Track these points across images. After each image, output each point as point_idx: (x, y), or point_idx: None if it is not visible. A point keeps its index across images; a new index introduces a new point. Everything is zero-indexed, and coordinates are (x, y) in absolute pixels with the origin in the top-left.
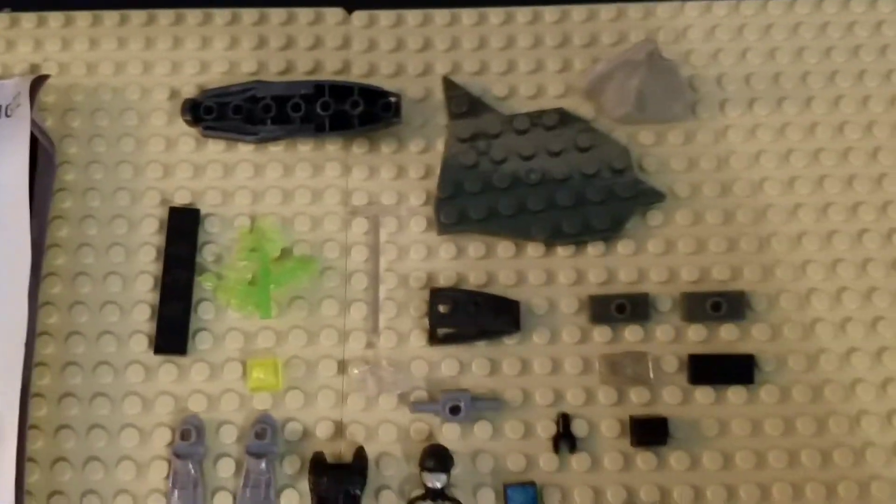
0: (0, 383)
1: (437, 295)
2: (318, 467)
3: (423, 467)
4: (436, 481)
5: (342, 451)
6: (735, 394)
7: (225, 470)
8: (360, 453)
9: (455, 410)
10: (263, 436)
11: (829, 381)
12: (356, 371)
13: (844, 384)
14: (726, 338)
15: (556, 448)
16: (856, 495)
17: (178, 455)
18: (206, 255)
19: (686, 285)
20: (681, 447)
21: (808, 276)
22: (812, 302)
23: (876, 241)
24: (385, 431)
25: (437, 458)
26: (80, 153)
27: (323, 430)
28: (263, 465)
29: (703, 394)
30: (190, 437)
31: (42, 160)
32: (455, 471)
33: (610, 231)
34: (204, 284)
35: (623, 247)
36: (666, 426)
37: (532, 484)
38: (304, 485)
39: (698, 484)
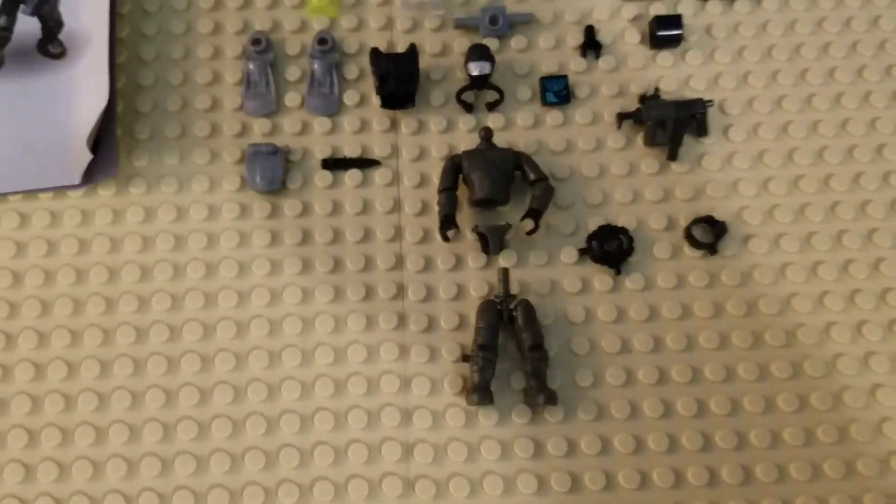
0: (90, 8)
1: None
2: (377, 55)
3: (468, 58)
4: (480, 69)
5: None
6: (741, 3)
7: (292, 74)
8: (411, 47)
9: (494, 20)
10: (325, 42)
11: None
12: None
13: None
14: None
15: (584, 53)
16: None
17: (249, 58)
18: None
19: None
20: (695, 48)
21: None
22: None
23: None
24: (431, 46)
25: (480, 49)
26: None
27: (378, 45)
28: (325, 67)
29: (713, 5)
30: (260, 44)
31: None
32: (496, 72)
33: None
34: None
35: None
36: (680, 22)
37: (564, 77)
38: (365, 85)
39: (712, 75)
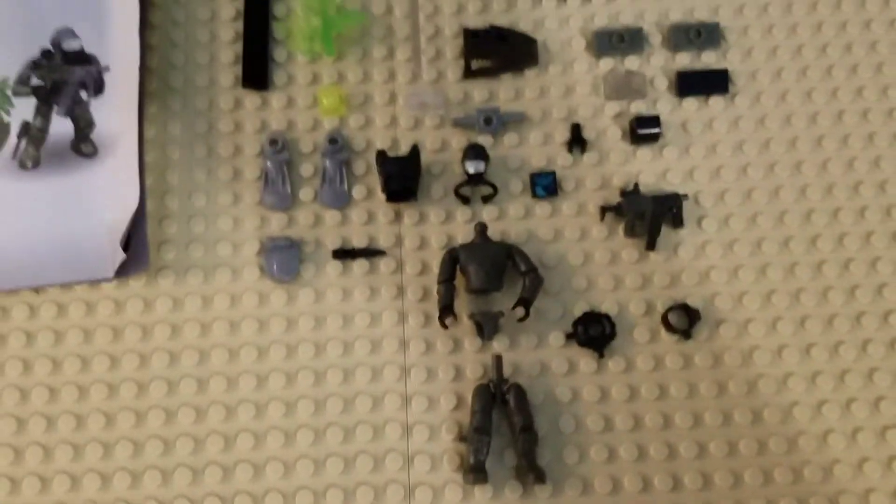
0: (119, 110)
1: (471, 33)
2: (383, 157)
3: (465, 157)
4: (476, 167)
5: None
6: (715, 101)
7: (306, 171)
8: (414, 148)
9: (488, 121)
10: (336, 141)
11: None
12: (404, 96)
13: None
14: (706, 60)
15: (570, 149)
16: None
17: (267, 158)
18: (277, 10)
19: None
20: (672, 143)
21: None
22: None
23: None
24: (431, 142)
25: (476, 149)
26: None
27: (382, 143)
28: (336, 165)
29: (689, 102)
30: (277, 144)
31: None
32: (490, 168)
33: None
34: (278, 32)
35: None
36: (659, 122)
37: (552, 172)
38: (372, 179)
39: (687, 169)
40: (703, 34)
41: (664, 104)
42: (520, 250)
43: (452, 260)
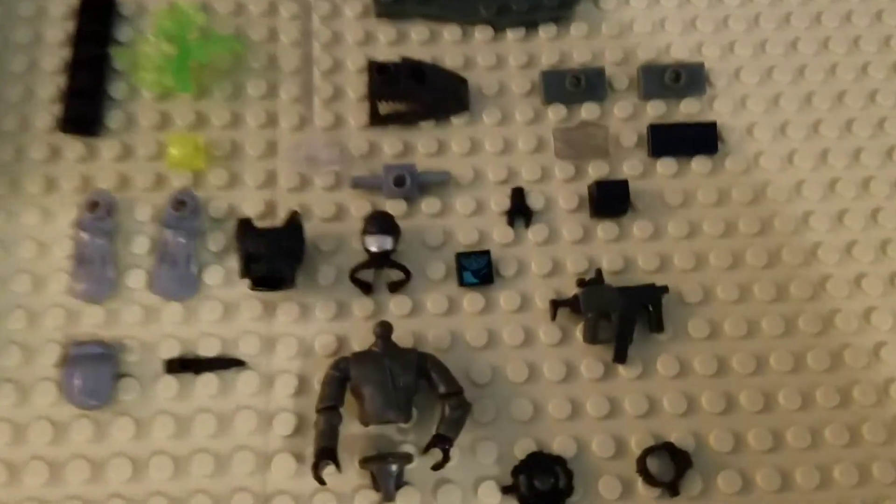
0: None
1: (379, 68)
2: (246, 227)
3: (366, 231)
4: (380, 244)
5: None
6: (699, 164)
7: (139, 246)
8: (293, 217)
9: (400, 182)
10: (182, 208)
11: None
12: (287, 148)
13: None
14: (686, 111)
15: (511, 221)
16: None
17: (83, 229)
18: (121, 33)
19: (642, 62)
20: (644, 217)
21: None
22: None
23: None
24: (321, 209)
25: (381, 219)
26: None
27: (252, 208)
28: (182, 238)
29: (665, 165)
30: (96, 210)
31: None
32: (402, 245)
33: (560, 10)
34: (118, 61)
35: (576, 29)
36: (627, 190)
37: (485, 252)
38: (230, 262)
39: (664, 252)
40: (684, 77)
41: (633, 166)
42: (438, 363)
43: (340, 378)
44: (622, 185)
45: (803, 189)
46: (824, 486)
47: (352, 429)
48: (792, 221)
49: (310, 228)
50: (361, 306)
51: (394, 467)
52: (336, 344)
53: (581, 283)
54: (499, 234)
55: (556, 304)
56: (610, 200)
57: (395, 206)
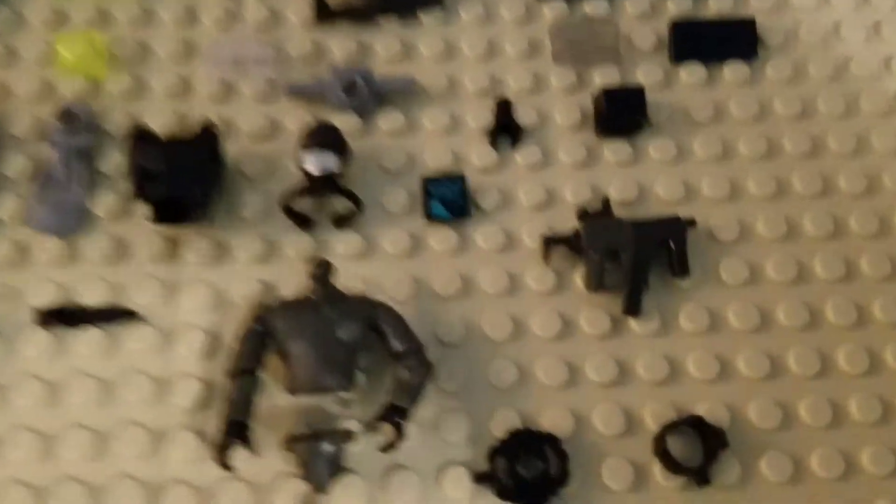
0: None
1: None
2: (141, 141)
3: (304, 147)
4: (322, 164)
5: None
6: (733, 70)
7: (13, 167)
8: (206, 127)
9: (351, 89)
10: (71, 121)
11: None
12: (207, 47)
13: None
14: (718, 6)
15: (494, 141)
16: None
17: None
18: None
19: None
20: (664, 134)
21: None
22: None
23: None
24: (250, 125)
25: (323, 132)
26: None
27: (159, 122)
28: (69, 158)
29: (691, 72)
30: None
31: None
32: (351, 167)
33: None
34: None
35: None
36: (644, 101)
37: (459, 178)
38: (128, 189)
39: (689, 178)
40: None
41: (651, 72)
42: (393, 314)
43: (260, 333)
44: (637, 96)
45: (861, 103)
46: None
47: (276, 400)
48: (851, 139)
49: (234, 148)
50: (296, 245)
51: (328, 448)
52: (262, 293)
53: (583, 215)
54: (478, 157)
55: (549, 242)
56: (621, 114)
57: (345, 121)
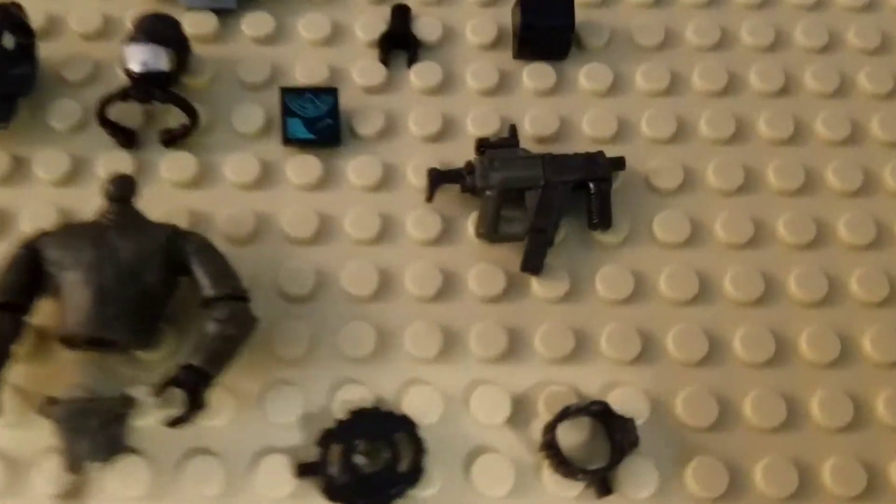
0: None
1: None
2: None
3: (130, 40)
4: (148, 60)
5: None
6: None
7: None
8: (6, 8)
9: None
10: None
11: None
12: None
13: None
14: None
15: (386, 57)
16: None
17: None
18: None
19: None
20: (598, 59)
21: None
22: None
23: None
24: (78, 22)
25: (153, 23)
26: None
27: None
28: None
29: None
30: None
31: None
32: (203, 79)
33: None
34: None
35: None
36: (572, 17)
37: (330, 92)
38: None
39: (626, 112)
40: None
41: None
42: (207, 248)
43: (27, 259)
44: (564, 9)
45: (846, 35)
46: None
47: (46, 350)
48: (833, 77)
49: (57, 47)
50: (111, 164)
51: (94, 421)
52: (63, 221)
53: (482, 145)
54: (361, 73)
55: (437, 178)
56: (545, 34)
57: (198, 22)
